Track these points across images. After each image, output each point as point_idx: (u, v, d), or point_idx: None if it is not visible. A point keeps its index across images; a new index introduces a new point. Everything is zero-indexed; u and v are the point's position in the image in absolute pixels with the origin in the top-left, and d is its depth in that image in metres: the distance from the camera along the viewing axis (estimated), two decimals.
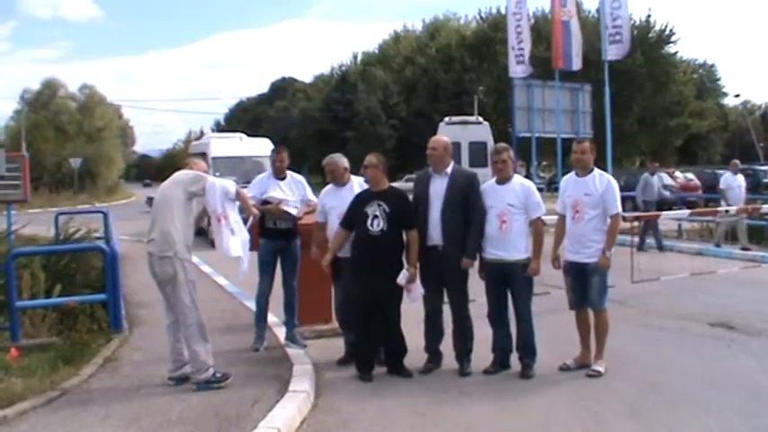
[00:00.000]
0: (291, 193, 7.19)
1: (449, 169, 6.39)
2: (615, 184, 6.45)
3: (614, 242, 6.38)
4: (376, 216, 6.17)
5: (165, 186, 6.05)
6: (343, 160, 7.03)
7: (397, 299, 6.29)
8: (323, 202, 6.93)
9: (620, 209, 6.42)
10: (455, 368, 6.41)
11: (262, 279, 7.18)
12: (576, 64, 19.61)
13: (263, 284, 7.18)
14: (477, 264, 6.41)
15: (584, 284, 6.44)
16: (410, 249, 6.25)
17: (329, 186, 7.03)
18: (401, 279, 6.15)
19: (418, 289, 6.23)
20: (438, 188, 6.33)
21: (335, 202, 6.70)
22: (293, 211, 7.11)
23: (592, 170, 6.45)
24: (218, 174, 16.27)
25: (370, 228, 6.17)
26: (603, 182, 6.38)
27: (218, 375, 5.81)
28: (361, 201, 6.35)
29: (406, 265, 6.22)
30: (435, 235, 6.27)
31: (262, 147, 19.37)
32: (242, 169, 17.44)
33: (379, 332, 6.31)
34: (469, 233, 6.25)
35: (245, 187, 6.92)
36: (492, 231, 6.25)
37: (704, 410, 5.44)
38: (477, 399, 5.75)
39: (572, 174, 6.64)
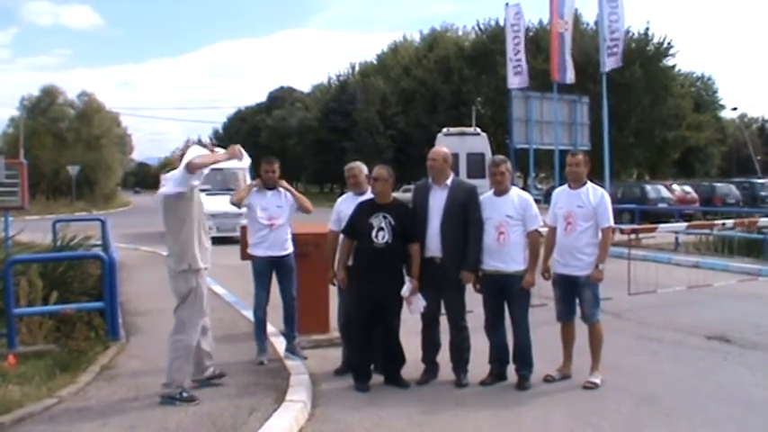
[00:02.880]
0: (280, 202, 7.11)
1: (449, 181, 6.41)
2: (608, 198, 6.49)
3: (607, 255, 6.41)
4: (381, 228, 6.18)
5: None
6: (364, 167, 7.04)
7: (398, 309, 6.30)
8: (339, 209, 6.89)
9: (612, 222, 6.45)
10: (452, 379, 6.41)
11: (258, 291, 7.13)
12: (569, 77, 19.67)
13: (260, 296, 7.13)
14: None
15: (573, 297, 6.48)
16: (412, 262, 6.26)
17: (348, 194, 7.05)
18: (405, 291, 6.16)
19: (419, 301, 6.24)
20: (438, 200, 6.34)
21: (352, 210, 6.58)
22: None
23: (585, 183, 6.50)
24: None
25: (375, 239, 6.17)
26: (597, 195, 6.42)
27: (185, 395, 5.73)
28: (365, 211, 6.34)
29: (407, 277, 6.24)
30: (434, 246, 6.28)
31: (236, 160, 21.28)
32: (217, 179, 20.06)
33: (378, 342, 6.31)
34: (469, 247, 6.26)
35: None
36: (490, 243, 6.27)
37: (700, 423, 5.45)
38: (474, 410, 5.75)
39: (565, 186, 6.67)
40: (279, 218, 7.06)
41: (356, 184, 6.97)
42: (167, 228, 5.92)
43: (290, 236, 7.21)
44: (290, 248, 7.17)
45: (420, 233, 6.30)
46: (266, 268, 7.08)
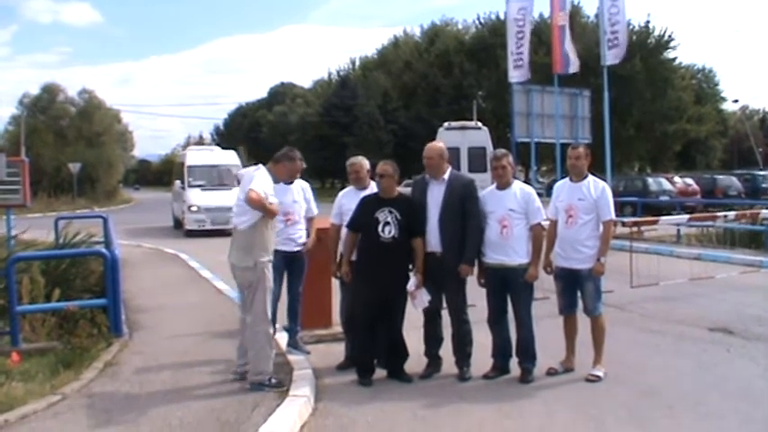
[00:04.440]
0: (296, 198, 7.12)
1: (446, 175, 6.39)
2: (609, 191, 6.48)
3: (608, 248, 6.41)
4: (387, 223, 6.16)
5: None
6: (366, 162, 7.03)
7: (403, 304, 6.30)
8: (340, 203, 6.90)
9: (613, 215, 6.45)
10: (455, 373, 6.42)
11: (272, 285, 7.11)
12: (573, 67, 19.57)
13: (273, 290, 7.12)
14: (476, 270, 6.42)
15: (575, 290, 6.48)
16: (417, 256, 6.26)
17: (349, 189, 7.04)
18: (410, 286, 6.17)
19: (424, 296, 6.24)
20: (436, 195, 6.34)
21: (355, 204, 6.55)
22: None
23: (586, 176, 6.49)
24: (190, 179, 22.20)
25: (382, 234, 6.15)
26: (598, 188, 6.41)
27: (274, 381, 5.92)
28: (370, 205, 6.32)
29: (411, 272, 6.24)
30: (434, 241, 6.28)
31: (230, 157, 24.28)
32: (212, 175, 22.49)
33: (381, 337, 6.31)
34: (467, 241, 6.25)
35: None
36: (493, 236, 6.27)
37: (703, 415, 5.46)
38: (477, 403, 5.76)
39: (566, 179, 6.67)
40: (294, 213, 7.06)
41: (358, 179, 6.96)
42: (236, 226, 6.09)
43: (304, 233, 7.19)
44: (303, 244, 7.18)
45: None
46: (280, 263, 7.05)
